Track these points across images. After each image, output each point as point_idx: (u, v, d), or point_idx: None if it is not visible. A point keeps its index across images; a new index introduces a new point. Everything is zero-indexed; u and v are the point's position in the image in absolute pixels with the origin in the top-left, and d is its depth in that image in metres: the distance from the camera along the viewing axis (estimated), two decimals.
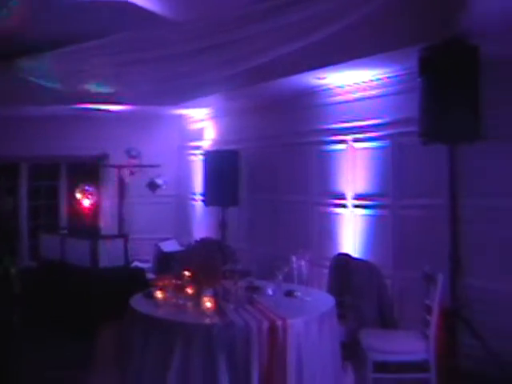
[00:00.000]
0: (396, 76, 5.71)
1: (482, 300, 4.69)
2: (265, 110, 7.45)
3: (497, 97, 4.63)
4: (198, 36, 5.15)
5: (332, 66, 5.62)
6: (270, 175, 7.40)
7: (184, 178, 9.31)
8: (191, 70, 5.58)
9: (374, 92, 6.00)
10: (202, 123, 8.98)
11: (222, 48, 5.63)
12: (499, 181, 4.88)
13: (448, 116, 4.37)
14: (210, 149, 8.36)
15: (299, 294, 4.22)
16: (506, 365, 4.44)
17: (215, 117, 8.63)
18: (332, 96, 6.50)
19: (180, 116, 9.25)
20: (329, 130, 6.54)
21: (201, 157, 8.45)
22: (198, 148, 8.95)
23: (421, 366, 4.19)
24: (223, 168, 7.29)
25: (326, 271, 5.70)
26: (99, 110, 8.05)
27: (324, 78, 6.15)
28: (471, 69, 4.42)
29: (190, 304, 3.96)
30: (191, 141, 9.22)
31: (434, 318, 4.15)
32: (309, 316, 3.74)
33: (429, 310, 4.20)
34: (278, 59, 5.68)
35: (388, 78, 5.81)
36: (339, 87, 6.38)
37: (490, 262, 4.88)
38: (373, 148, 6.01)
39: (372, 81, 5.99)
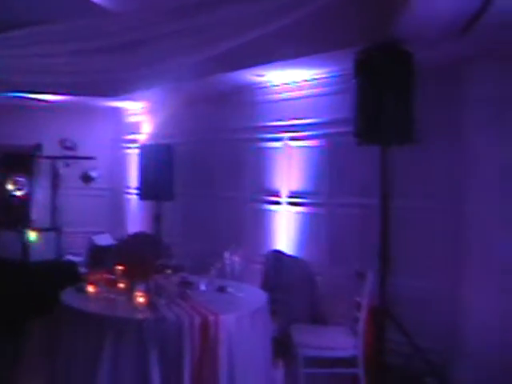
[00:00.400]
0: (333, 76, 5.81)
1: (409, 298, 4.84)
2: (202, 105, 7.43)
3: (429, 101, 4.78)
4: (136, 27, 5.09)
5: (271, 64, 5.66)
6: (206, 170, 7.39)
7: (119, 172, 9.19)
8: (128, 63, 5.51)
9: (311, 91, 6.08)
10: (139, 116, 8.87)
11: (160, 40, 5.58)
12: (426, 183, 5.09)
13: (381, 118, 4.47)
14: (147, 142, 8.27)
15: (232, 289, 4.24)
16: (430, 360, 4.60)
17: (152, 110, 8.55)
18: (270, 94, 6.55)
19: (117, 109, 9.12)
20: (266, 127, 6.59)
21: (137, 150, 8.35)
22: (134, 141, 8.84)
23: (350, 362, 4.28)
24: (159, 162, 7.20)
25: (260, 267, 5.75)
26: (34, 99, 7.83)
27: (263, 76, 6.18)
28: (405, 73, 4.54)
29: (121, 299, 3.92)
30: (127, 134, 9.10)
31: (362, 315, 4.25)
32: (241, 312, 3.76)
33: (358, 306, 4.30)
34: (216, 55, 5.69)
35: (325, 78, 5.90)
36: (277, 85, 6.43)
37: (417, 260, 5.05)
38: (308, 147, 6.10)
39: (310, 80, 6.07)
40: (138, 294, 3.81)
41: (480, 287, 4.60)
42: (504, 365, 3.89)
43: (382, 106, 4.50)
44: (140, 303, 3.75)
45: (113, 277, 4.20)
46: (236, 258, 4.56)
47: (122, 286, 4.13)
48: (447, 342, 4.87)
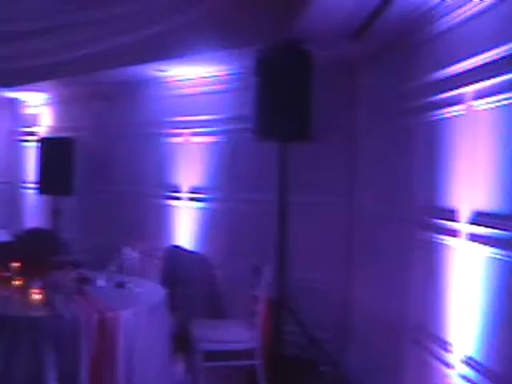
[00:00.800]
0: (235, 74, 5.89)
1: (305, 290, 5.01)
2: (104, 99, 7.30)
3: (325, 99, 4.95)
4: (32, 17, 4.96)
5: (172, 60, 5.68)
6: (108, 165, 7.27)
7: (16, 165, 8.87)
8: (23, 53, 5.35)
9: (212, 88, 6.13)
10: (38, 109, 8.59)
11: (61, 30, 5.46)
12: (321, 178, 5.29)
13: (278, 115, 4.60)
14: (46, 135, 8.03)
15: (130, 285, 4.24)
16: (324, 349, 4.79)
17: (52, 103, 8.31)
18: (172, 89, 6.54)
19: (13, 100, 8.78)
20: (167, 122, 6.58)
21: (35, 143, 8.09)
22: (32, 134, 8.56)
23: (248, 354, 4.38)
24: (58, 156, 7.04)
25: (160, 263, 5.76)
26: None
27: (165, 71, 6.18)
28: (303, 72, 4.67)
29: (17, 296, 3.83)
30: (25, 126, 8.79)
31: (260, 308, 4.36)
32: (139, 307, 3.78)
33: (256, 300, 4.40)
34: (117, 48, 5.64)
35: (227, 75, 5.97)
36: (179, 81, 6.43)
37: (312, 254, 5.25)
38: (209, 143, 6.15)
39: (212, 77, 6.12)
40: (34, 291, 3.74)
41: (367, 278, 4.83)
42: (389, 350, 4.13)
43: (280, 104, 4.62)
44: (36, 300, 3.69)
45: (8, 274, 4.09)
46: (135, 254, 4.55)
47: (17, 283, 4.03)
48: (340, 331, 5.10)
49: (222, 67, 5.85)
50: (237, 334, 4.47)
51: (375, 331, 4.51)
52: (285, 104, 4.62)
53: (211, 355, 4.36)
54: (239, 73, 5.81)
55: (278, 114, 4.60)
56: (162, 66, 5.94)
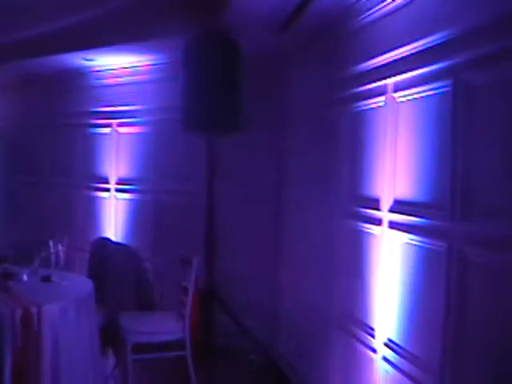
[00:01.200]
0: (162, 64, 5.83)
1: (235, 279, 5.04)
2: (28, 88, 7.08)
3: (255, 90, 4.97)
4: None
5: (98, 49, 5.57)
6: (32, 156, 7.08)
7: None
8: None
9: (140, 78, 6.06)
10: None
11: None
12: (251, 169, 5.33)
13: (207, 107, 4.58)
14: None
15: (56, 279, 4.15)
16: (255, 338, 4.84)
17: None
18: (99, 79, 6.41)
19: None
20: (94, 112, 6.45)
21: None
22: None
23: (178, 345, 4.38)
24: None
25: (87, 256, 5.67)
26: None
27: (92, 60, 6.05)
28: (231, 62, 4.67)
29: None
30: None
31: (189, 299, 4.36)
32: (65, 301, 3.70)
33: (185, 291, 4.40)
34: (42, 36, 5.47)
35: (155, 65, 5.91)
36: (107, 71, 6.32)
37: (242, 243, 5.28)
38: (136, 133, 6.08)
39: (139, 66, 6.04)
40: None
41: (296, 266, 4.91)
42: (317, 336, 4.22)
43: (208, 95, 4.60)
44: None
45: None
46: (62, 247, 4.45)
47: None
48: (270, 318, 5.16)
49: (149, 57, 5.78)
50: (166, 326, 4.46)
51: (304, 318, 4.59)
52: (212, 95, 4.60)
53: (140, 348, 4.34)
54: (166, 62, 5.76)
55: (205, 104, 4.59)
56: (89, 55, 5.82)
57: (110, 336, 4.48)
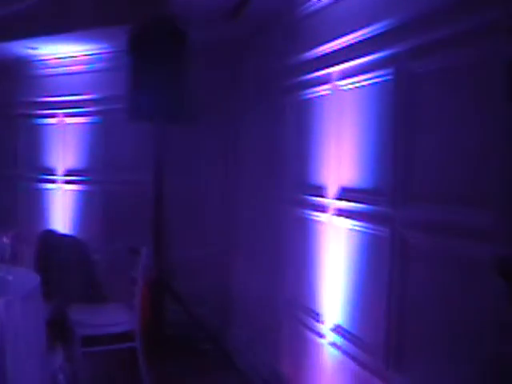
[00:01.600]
0: (109, 52, 5.74)
1: (185, 269, 5.03)
2: None
3: (203, 80, 4.95)
4: None
5: (42, 38, 5.44)
6: None
7: None
8: None
9: (86, 67, 5.95)
10: None
11: None
12: (199, 158, 5.31)
13: (153, 95, 4.53)
14: None
15: (1, 273, 4.05)
16: (207, 327, 4.85)
17: None
18: (45, 68, 6.27)
19: None
20: (40, 103, 6.31)
21: None
22: None
23: (128, 336, 4.35)
24: None
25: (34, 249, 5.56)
26: None
27: (36, 49, 5.91)
28: (178, 51, 4.62)
29: None
30: None
31: (138, 289, 4.32)
32: (10, 296, 3.62)
33: (134, 282, 4.37)
34: None
35: (101, 54, 5.81)
36: (52, 60, 6.18)
37: (191, 232, 5.27)
38: (83, 123, 5.98)
39: (85, 55, 5.93)
40: None
41: (246, 254, 4.93)
42: (267, 324, 4.25)
43: (154, 84, 4.55)
44: None
45: None
46: (7, 240, 4.36)
47: None
48: (222, 307, 5.18)
49: (96, 46, 5.68)
50: (115, 317, 4.42)
51: (254, 306, 4.62)
52: (159, 84, 4.55)
53: (90, 340, 4.28)
54: (113, 51, 5.66)
55: (152, 94, 4.54)
56: (33, 43, 5.68)
57: (59, 330, 4.41)
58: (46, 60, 6.21)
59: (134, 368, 4.33)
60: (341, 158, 3.21)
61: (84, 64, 5.96)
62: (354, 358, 3.04)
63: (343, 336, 3.14)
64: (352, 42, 3.09)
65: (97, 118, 5.88)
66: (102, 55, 5.79)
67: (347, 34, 3.12)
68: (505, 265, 1.10)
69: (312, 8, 3.59)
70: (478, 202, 2.18)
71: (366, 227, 2.92)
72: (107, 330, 4.29)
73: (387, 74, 2.80)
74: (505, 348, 2.00)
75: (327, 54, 3.38)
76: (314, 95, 3.58)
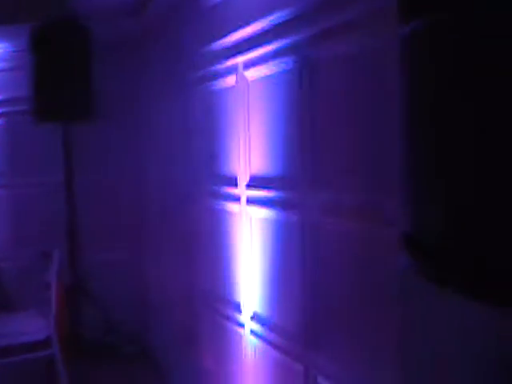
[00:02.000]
0: (9, 52, 5.52)
1: (101, 272, 4.93)
2: None
3: (110, 76, 4.85)
4: None
5: None
6: None
7: None
8: None
9: None
10: None
11: None
12: (109, 156, 5.21)
13: (58, 95, 4.43)
14: None
15: None
16: (125, 331, 4.77)
17: None
18: None
19: None
20: None
21: None
22: None
23: (45, 344, 4.21)
24: None
25: None
26: None
27: None
28: (82, 48, 4.53)
29: None
30: None
31: (53, 295, 4.20)
32: None
33: (48, 286, 4.23)
34: None
35: (2, 54, 5.58)
36: None
37: (106, 234, 5.16)
38: None
39: None
40: None
41: (162, 252, 4.88)
42: (186, 320, 4.23)
43: (59, 83, 4.44)
44: None
45: None
46: None
47: None
48: (140, 308, 5.10)
49: None
50: (28, 325, 4.27)
51: (171, 304, 4.57)
52: (64, 83, 4.45)
53: (2, 351, 4.12)
54: (15, 50, 5.46)
55: (57, 93, 4.43)
56: None
57: None
58: None
59: (54, 376, 4.21)
60: (250, 147, 3.22)
61: None
62: (274, 345, 3.05)
63: (263, 324, 3.15)
64: (255, 31, 3.10)
65: (1, 121, 5.64)
66: (3, 55, 5.56)
67: (250, 23, 3.13)
68: (409, 240, 1.14)
69: None
70: (382, 189, 2.23)
71: (277, 214, 2.94)
72: (19, 339, 4.14)
73: (290, 62, 2.83)
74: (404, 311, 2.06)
75: (232, 44, 3.38)
76: (222, 86, 3.58)
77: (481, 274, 0.97)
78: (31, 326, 4.24)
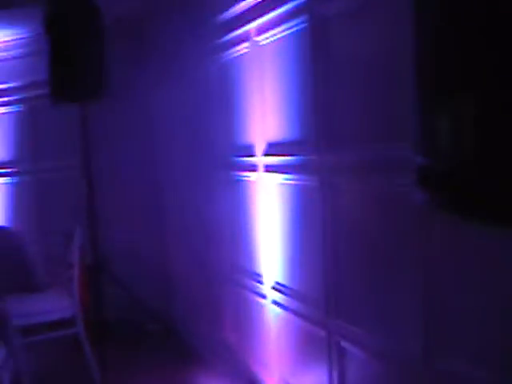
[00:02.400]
0: (26, 38, 5.54)
1: (123, 251, 4.93)
2: None
3: (120, 57, 4.82)
4: None
5: None
6: None
7: None
8: None
9: (5, 54, 5.72)
10: None
11: None
12: (127, 135, 5.19)
13: (74, 76, 4.39)
14: None
15: None
16: (149, 308, 4.77)
17: None
18: None
19: None
20: None
21: None
22: None
23: (69, 323, 4.23)
24: None
25: None
26: None
27: None
28: (94, 28, 4.49)
29: None
30: None
31: (75, 274, 4.21)
32: None
33: (71, 266, 4.25)
34: None
35: (18, 39, 5.59)
36: None
37: (126, 214, 5.15)
38: (7, 113, 5.76)
39: (3, 42, 5.70)
40: None
41: (180, 230, 4.85)
42: (209, 294, 4.20)
43: (74, 64, 4.41)
44: None
45: None
46: None
47: None
48: (163, 286, 5.09)
49: (11, 31, 5.46)
50: (53, 304, 4.28)
51: (194, 279, 4.55)
52: (79, 63, 4.42)
53: (29, 330, 4.14)
54: (30, 36, 5.47)
55: (73, 74, 4.39)
56: None
57: None
58: None
59: (79, 354, 4.22)
60: (266, 114, 3.16)
61: (3, 51, 5.72)
62: (296, 313, 3.02)
63: (284, 293, 3.11)
64: None
65: (21, 107, 5.67)
66: (19, 40, 5.58)
67: None
68: (423, 172, 1.09)
69: None
70: (395, 138, 2.17)
71: (295, 179, 2.89)
72: (45, 317, 4.16)
73: (302, 22, 2.77)
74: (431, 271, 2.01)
75: (244, 11, 3.32)
76: (235, 55, 3.52)
77: (493, 199, 0.91)
78: (56, 305, 4.26)
